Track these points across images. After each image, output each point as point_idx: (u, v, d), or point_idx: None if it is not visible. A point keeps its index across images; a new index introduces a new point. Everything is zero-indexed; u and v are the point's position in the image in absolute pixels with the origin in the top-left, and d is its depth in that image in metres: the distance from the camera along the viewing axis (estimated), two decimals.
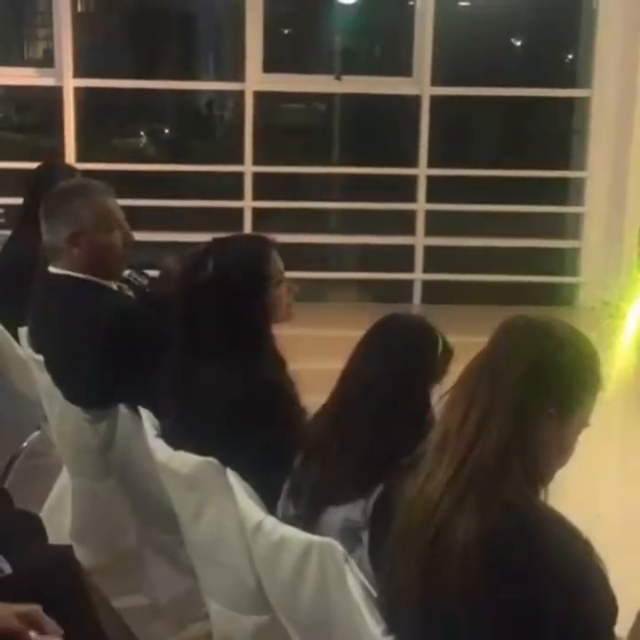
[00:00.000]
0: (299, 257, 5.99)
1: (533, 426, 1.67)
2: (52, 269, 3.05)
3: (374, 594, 1.78)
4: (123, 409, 2.83)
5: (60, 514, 3.13)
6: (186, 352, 2.50)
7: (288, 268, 2.63)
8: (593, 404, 1.75)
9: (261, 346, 2.49)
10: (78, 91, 7.16)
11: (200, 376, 2.46)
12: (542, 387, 1.68)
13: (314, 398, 2.49)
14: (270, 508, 2.18)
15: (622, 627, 1.65)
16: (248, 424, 2.34)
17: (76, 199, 3.04)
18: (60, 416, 3.03)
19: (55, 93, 7.11)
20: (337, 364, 2.27)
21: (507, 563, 1.58)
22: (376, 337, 2.25)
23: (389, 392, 2.15)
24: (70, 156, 7.00)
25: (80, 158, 6.90)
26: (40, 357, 3.04)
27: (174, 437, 2.48)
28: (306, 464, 2.20)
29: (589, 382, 1.74)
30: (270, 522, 2.05)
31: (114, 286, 3.08)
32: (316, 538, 1.93)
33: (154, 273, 3.49)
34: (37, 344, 3.10)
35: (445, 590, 1.60)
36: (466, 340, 2.28)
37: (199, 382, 2.46)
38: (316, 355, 2.63)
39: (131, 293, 3.19)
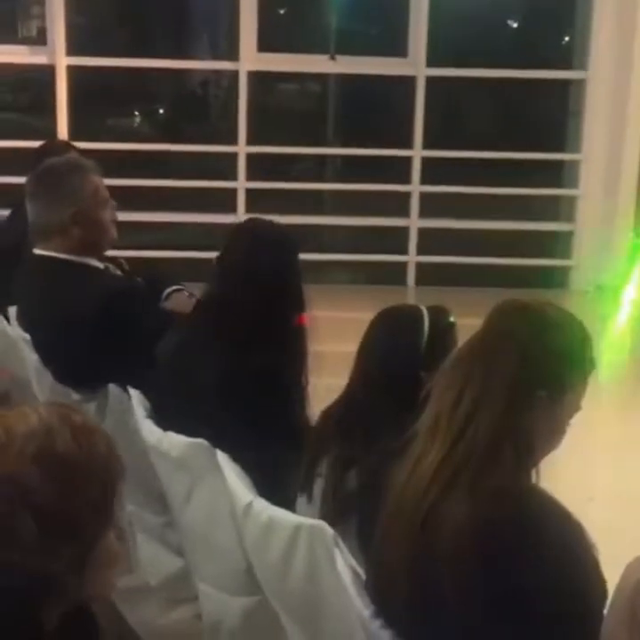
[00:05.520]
0: None
1: (525, 409, 1.66)
2: (37, 251, 2.98)
3: (363, 577, 1.77)
4: (113, 389, 2.81)
5: None
6: (196, 335, 2.48)
7: None
8: (585, 388, 1.75)
9: (281, 336, 2.45)
10: (71, 69, 7.11)
11: (200, 355, 2.44)
12: (534, 370, 1.67)
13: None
14: (270, 486, 2.15)
15: None
16: (245, 401, 2.33)
17: (73, 176, 2.93)
18: (49, 396, 3.01)
19: (49, 73, 7.07)
20: (330, 346, 2.25)
21: (498, 547, 1.57)
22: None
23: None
24: (63, 135, 6.95)
25: (73, 138, 6.82)
26: (28, 337, 3.01)
27: (165, 418, 2.47)
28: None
29: (581, 365, 1.73)
30: (260, 503, 2.04)
31: (100, 266, 3.01)
32: (305, 519, 1.92)
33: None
34: (26, 324, 3.07)
35: (435, 574, 1.59)
36: (459, 323, 2.27)
37: (200, 361, 2.43)
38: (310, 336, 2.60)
39: (118, 272, 3.15)
